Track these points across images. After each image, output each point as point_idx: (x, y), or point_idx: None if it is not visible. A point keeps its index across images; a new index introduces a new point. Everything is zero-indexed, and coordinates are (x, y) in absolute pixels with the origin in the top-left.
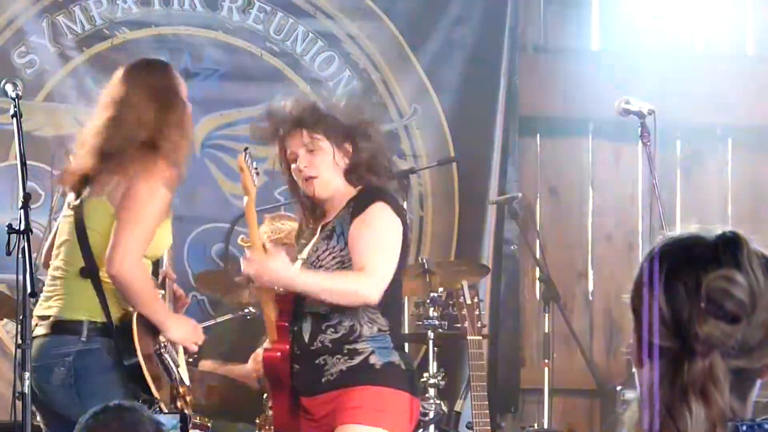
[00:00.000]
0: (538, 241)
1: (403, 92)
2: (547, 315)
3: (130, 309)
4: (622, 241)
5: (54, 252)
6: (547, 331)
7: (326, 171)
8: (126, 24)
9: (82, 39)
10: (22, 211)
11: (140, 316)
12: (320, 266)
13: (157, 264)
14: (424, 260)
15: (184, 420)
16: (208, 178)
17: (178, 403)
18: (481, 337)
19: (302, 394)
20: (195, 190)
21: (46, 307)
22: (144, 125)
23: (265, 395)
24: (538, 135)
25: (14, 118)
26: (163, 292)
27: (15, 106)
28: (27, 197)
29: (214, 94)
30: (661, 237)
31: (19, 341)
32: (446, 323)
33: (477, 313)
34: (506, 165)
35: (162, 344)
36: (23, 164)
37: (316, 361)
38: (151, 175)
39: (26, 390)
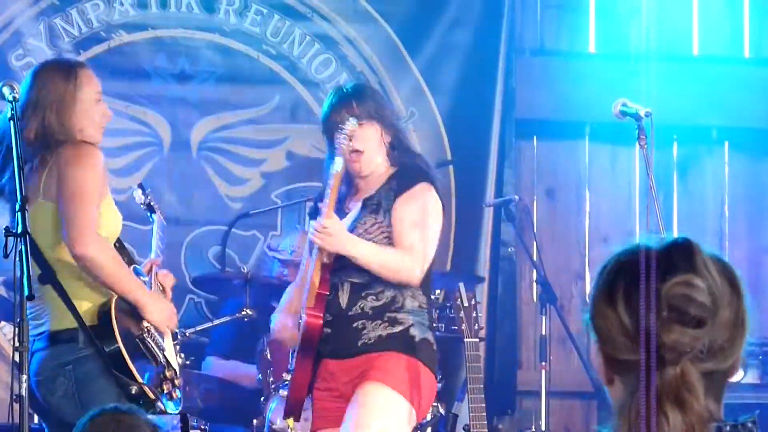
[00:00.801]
0: (535, 244)
1: (400, 95)
2: (544, 317)
3: (107, 298)
4: (618, 244)
5: None
6: (544, 333)
7: (373, 147)
8: (123, 27)
9: (79, 42)
10: (19, 213)
11: (119, 302)
12: (369, 239)
13: (121, 247)
14: None
15: (184, 420)
16: (205, 181)
17: (164, 387)
18: (478, 340)
19: (333, 356)
20: (191, 192)
21: (37, 324)
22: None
23: (262, 398)
24: (535, 137)
25: (11, 121)
26: (146, 279)
27: (12, 109)
28: (24, 200)
29: (211, 96)
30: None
31: (17, 344)
32: (443, 325)
33: (474, 315)
34: (503, 167)
35: (145, 328)
36: (20, 167)
37: (354, 325)
38: (73, 156)
39: (23, 393)
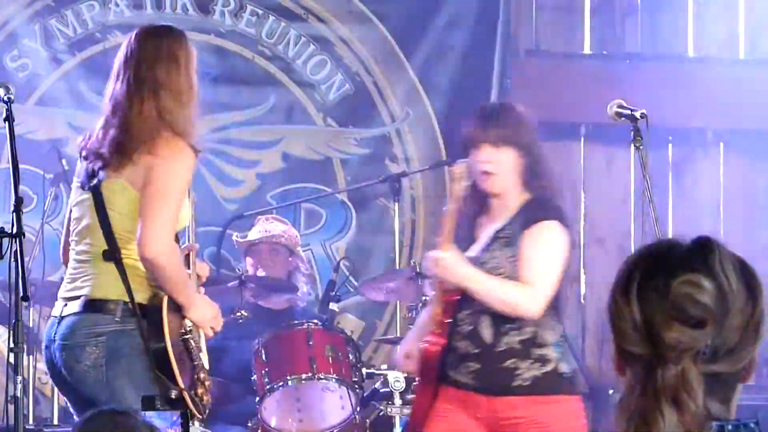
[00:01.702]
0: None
1: (396, 96)
2: None
3: (159, 291)
4: (614, 245)
5: (74, 238)
6: None
7: (505, 170)
8: (118, 27)
9: (75, 43)
10: (14, 214)
11: (170, 299)
12: (500, 273)
13: (177, 238)
14: (417, 264)
15: (185, 417)
16: (200, 182)
17: (198, 390)
18: None
19: (483, 392)
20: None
21: (74, 287)
22: (159, 106)
23: (257, 398)
24: None
25: (6, 122)
26: (189, 271)
27: (7, 110)
28: (19, 201)
29: (206, 97)
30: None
31: (12, 345)
32: None
33: None
34: None
35: (188, 329)
36: (15, 168)
37: (505, 364)
38: (171, 153)
39: (18, 394)
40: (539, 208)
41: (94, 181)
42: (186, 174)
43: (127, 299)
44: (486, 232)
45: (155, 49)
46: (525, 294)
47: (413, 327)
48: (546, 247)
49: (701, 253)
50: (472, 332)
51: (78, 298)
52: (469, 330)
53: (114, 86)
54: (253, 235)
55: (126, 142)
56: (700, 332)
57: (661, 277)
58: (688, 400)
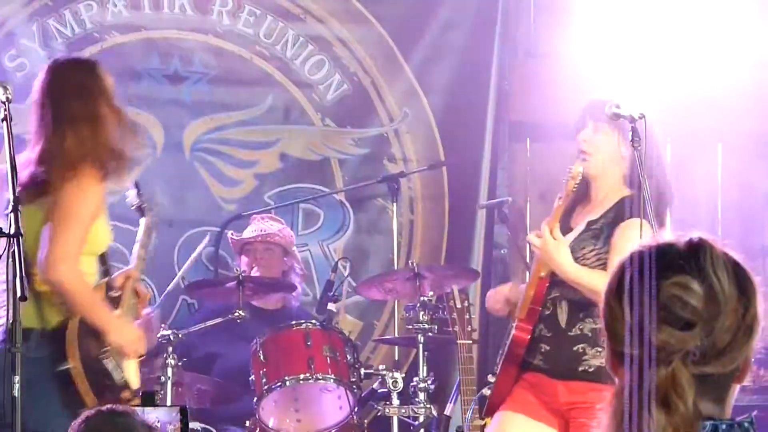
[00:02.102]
0: (528, 246)
1: (393, 96)
2: None
3: (67, 317)
4: None
5: None
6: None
7: (603, 154)
8: (116, 28)
9: (72, 42)
10: (12, 214)
11: (83, 320)
12: (584, 263)
13: (104, 259)
14: (415, 264)
15: (184, 413)
16: (198, 182)
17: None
18: (471, 341)
19: (550, 375)
20: (184, 193)
21: None
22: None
23: (255, 398)
24: (528, 139)
25: (4, 122)
26: (119, 292)
27: (5, 110)
28: (17, 201)
29: (204, 97)
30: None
31: (9, 345)
32: (436, 327)
33: (467, 317)
34: (496, 169)
35: (104, 351)
36: (13, 168)
37: (575, 348)
38: (78, 180)
39: (16, 393)
40: (634, 205)
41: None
42: (92, 200)
43: (41, 326)
44: (581, 222)
45: (66, 82)
46: None
47: (513, 283)
48: (632, 243)
49: (693, 254)
50: (550, 316)
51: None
52: (547, 314)
53: (33, 121)
54: (248, 233)
55: (40, 174)
56: (688, 334)
57: (653, 279)
58: (678, 401)
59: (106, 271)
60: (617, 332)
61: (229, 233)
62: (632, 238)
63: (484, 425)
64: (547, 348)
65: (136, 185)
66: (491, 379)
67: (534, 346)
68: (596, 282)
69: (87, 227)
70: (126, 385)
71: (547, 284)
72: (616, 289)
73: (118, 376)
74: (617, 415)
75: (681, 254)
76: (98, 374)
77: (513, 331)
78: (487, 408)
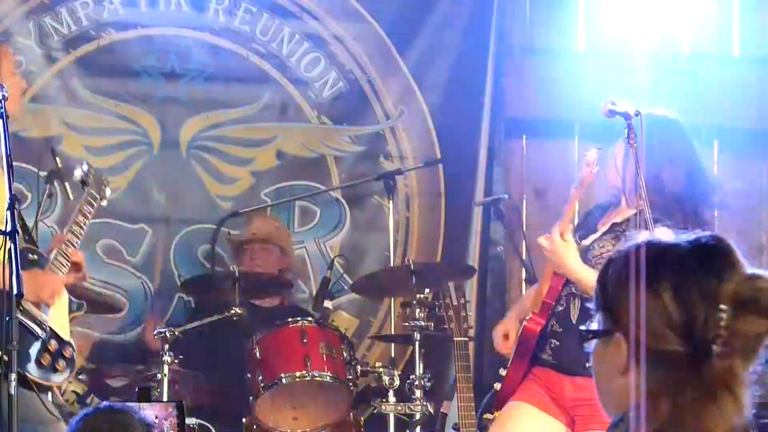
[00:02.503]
0: (524, 243)
1: (390, 93)
2: None
3: None
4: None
5: None
6: None
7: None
8: (112, 25)
9: (69, 40)
10: (8, 212)
11: None
12: (600, 262)
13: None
14: (411, 261)
15: (180, 409)
16: (194, 180)
17: (44, 360)
18: (467, 339)
19: (557, 369)
20: (181, 191)
21: None
22: None
23: (252, 396)
24: (524, 136)
25: (0, 120)
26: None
27: (1, 108)
28: (14, 198)
29: (200, 95)
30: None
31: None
32: (432, 324)
33: (463, 314)
34: (492, 166)
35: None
36: (9, 165)
37: (584, 344)
38: None
39: (12, 391)
40: (662, 210)
41: None
42: None
43: None
44: (608, 224)
45: None
46: None
47: (514, 306)
48: None
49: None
50: (563, 312)
51: None
52: (560, 310)
53: None
54: (246, 233)
55: None
56: None
57: (706, 278)
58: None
59: (29, 237)
60: (654, 329)
61: (228, 232)
62: None
63: (494, 419)
64: (557, 343)
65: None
66: (502, 372)
67: (545, 341)
68: (593, 278)
69: None
70: (55, 335)
71: (563, 280)
72: (648, 284)
73: (36, 330)
74: (665, 416)
75: (726, 247)
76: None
77: (525, 323)
78: (498, 401)
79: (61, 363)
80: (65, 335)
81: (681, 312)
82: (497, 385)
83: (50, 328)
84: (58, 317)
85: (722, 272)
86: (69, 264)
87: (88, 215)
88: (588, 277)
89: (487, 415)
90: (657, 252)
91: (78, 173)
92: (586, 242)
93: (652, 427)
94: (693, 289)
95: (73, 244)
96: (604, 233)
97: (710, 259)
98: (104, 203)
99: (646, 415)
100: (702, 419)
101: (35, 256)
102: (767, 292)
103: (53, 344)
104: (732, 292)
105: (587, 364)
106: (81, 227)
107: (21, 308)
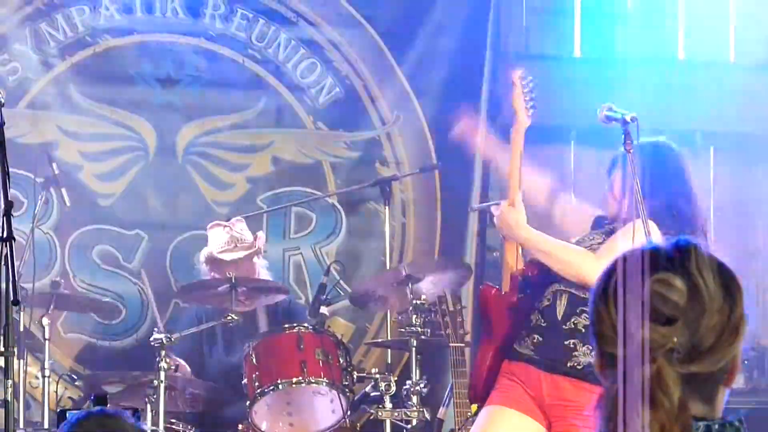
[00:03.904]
0: (520, 248)
1: (386, 99)
2: None
3: None
4: None
5: None
6: None
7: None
8: (108, 31)
9: (65, 46)
10: (4, 218)
11: None
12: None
13: None
14: (407, 267)
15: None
16: (191, 185)
17: None
18: (463, 345)
19: (539, 366)
20: (177, 197)
21: None
22: None
23: (248, 402)
24: None
25: None
26: None
27: None
28: (9, 205)
29: (196, 101)
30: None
31: (1, 349)
32: (429, 330)
33: (459, 320)
34: (488, 172)
35: None
36: (5, 172)
37: (566, 342)
38: None
39: (9, 397)
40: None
41: None
42: None
43: None
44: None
45: None
46: (585, 258)
47: None
48: (628, 236)
49: (679, 254)
50: (548, 307)
51: None
52: (546, 305)
53: None
54: (215, 246)
55: None
56: (669, 329)
57: (638, 282)
58: (663, 397)
59: None
60: (604, 333)
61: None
62: (629, 230)
63: (470, 413)
64: (540, 338)
65: None
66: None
67: (527, 335)
68: (557, 247)
69: None
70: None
71: (537, 268)
72: (602, 292)
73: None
74: (606, 415)
75: (667, 254)
76: None
77: (481, 288)
78: (472, 390)
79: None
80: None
81: (618, 314)
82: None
83: None
84: None
85: (653, 271)
86: None
87: None
88: (543, 240)
89: (464, 409)
90: (617, 261)
91: None
92: (574, 240)
93: (599, 428)
94: (627, 290)
95: None
96: (596, 227)
97: (653, 260)
98: None
99: (598, 416)
100: (627, 425)
101: None
102: (655, 295)
103: None
104: (645, 292)
105: (568, 364)
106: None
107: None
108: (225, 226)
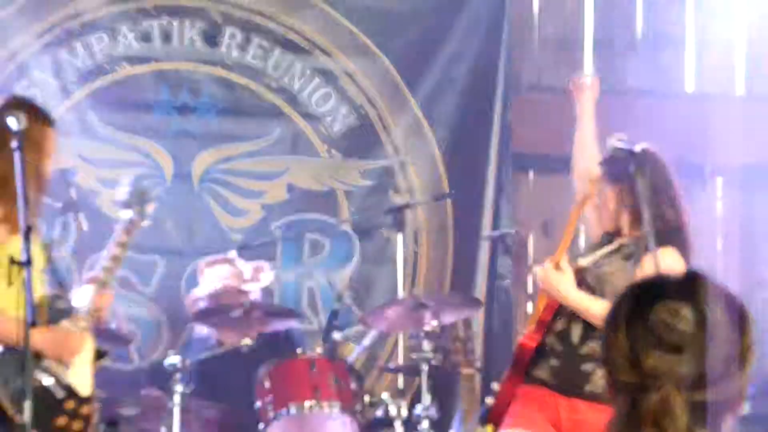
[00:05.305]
0: (530, 277)
1: (399, 128)
2: None
3: None
4: None
5: None
6: None
7: (611, 207)
8: (126, 59)
9: (84, 74)
10: (23, 242)
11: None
12: (611, 280)
13: (54, 269)
14: (419, 294)
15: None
16: (206, 212)
17: (60, 421)
18: (473, 370)
19: (557, 390)
20: (193, 223)
21: None
22: None
23: (261, 424)
24: (531, 171)
25: (16, 152)
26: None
27: (17, 140)
28: (28, 229)
29: (213, 129)
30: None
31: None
32: (440, 356)
33: (470, 346)
34: (500, 201)
35: (38, 365)
36: (24, 197)
37: (582, 367)
38: None
39: (27, 420)
40: (662, 234)
41: None
42: None
43: None
44: (614, 243)
45: None
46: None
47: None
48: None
49: (688, 284)
50: (563, 332)
51: None
52: (560, 329)
53: None
54: (215, 283)
55: None
56: (677, 358)
57: (646, 307)
58: (670, 424)
59: (60, 283)
60: (614, 360)
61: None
62: (658, 267)
63: None
64: (556, 363)
65: (134, 181)
66: (495, 387)
67: (543, 359)
68: (595, 309)
69: None
70: (72, 395)
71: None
72: (613, 319)
73: (56, 387)
74: None
75: (675, 284)
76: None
77: (520, 339)
78: (491, 414)
79: (77, 424)
80: (85, 389)
81: (628, 342)
82: (489, 400)
83: (68, 385)
84: (79, 371)
85: (661, 300)
86: (92, 314)
87: (125, 245)
88: (582, 302)
89: (479, 429)
90: (628, 287)
91: (122, 194)
92: (585, 261)
93: None
94: (637, 318)
95: (105, 285)
96: (612, 252)
97: (665, 289)
98: (145, 223)
99: None
100: None
101: (63, 305)
102: (662, 327)
103: (69, 404)
104: (651, 320)
105: (586, 388)
106: (117, 261)
107: (44, 369)
108: (228, 261)
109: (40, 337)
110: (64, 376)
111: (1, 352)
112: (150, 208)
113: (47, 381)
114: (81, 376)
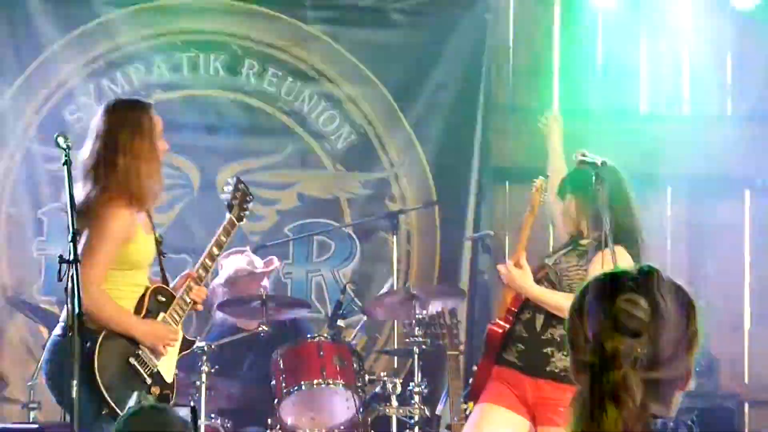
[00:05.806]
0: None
1: (394, 145)
2: None
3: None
4: None
5: None
6: None
7: (570, 214)
8: (160, 86)
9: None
10: (71, 243)
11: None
12: (566, 275)
13: (160, 266)
14: (411, 287)
15: (194, 412)
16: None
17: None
18: (458, 352)
19: (522, 371)
20: (217, 227)
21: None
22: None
23: (275, 399)
24: (507, 182)
25: (65, 166)
26: (165, 297)
27: (66, 156)
28: (75, 232)
29: (235, 146)
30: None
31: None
32: (429, 340)
33: (455, 332)
34: (480, 207)
35: (135, 353)
36: (72, 204)
37: (544, 350)
38: (101, 206)
39: (75, 396)
40: (618, 236)
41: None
42: (113, 233)
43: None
44: (572, 244)
45: (122, 117)
46: (569, 302)
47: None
48: (604, 266)
49: (643, 278)
50: (529, 320)
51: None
52: (527, 318)
53: (85, 150)
54: (229, 270)
55: (83, 203)
56: (635, 341)
57: (608, 297)
58: (628, 399)
59: (163, 277)
60: (578, 343)
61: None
62: (604, 261)
63: (468, 409)
64: (522, 347)
65: (237, 179)
66: (474, 368)
67: (512, 344)
68: (556, 300)
69: (110, 253)
70: (159, 381)
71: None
72: (579, 308)
73: (144, 376)
74: (577, 414)
75: (633, 278)
76: (121, 375)
77: (489, 326)
78: (470, 393)
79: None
80: (169, 376)
81: (590, 327)
82: (471, 380)
83: (157, 371)
84: (167, 359)
85: (621, 291)
86: (188, 309)
87: (222, 245)
88: (543, 296)
89: (463, 405)
90: (592, 281)
91: (226, 195)
92: (550, 260)
93: (571, 427)
94: (599, 307)
95: (200, 281)
96: (570, 250)
97: (623, 282)
98: (243, 222)
99: (570, 415)
100: (595, 422)
101: (164, 298)
102: (623, 312)
103: (155, 390)
104: (613, 309)
105: (547, 368)
106: (213, 259)
107: (137, 357)
108: (241, 252)
109: (142, 329)
110: (155, 365)
111: (104, 337)
112: (246, 210)
113: (141, 368)
114: (168, 364)
